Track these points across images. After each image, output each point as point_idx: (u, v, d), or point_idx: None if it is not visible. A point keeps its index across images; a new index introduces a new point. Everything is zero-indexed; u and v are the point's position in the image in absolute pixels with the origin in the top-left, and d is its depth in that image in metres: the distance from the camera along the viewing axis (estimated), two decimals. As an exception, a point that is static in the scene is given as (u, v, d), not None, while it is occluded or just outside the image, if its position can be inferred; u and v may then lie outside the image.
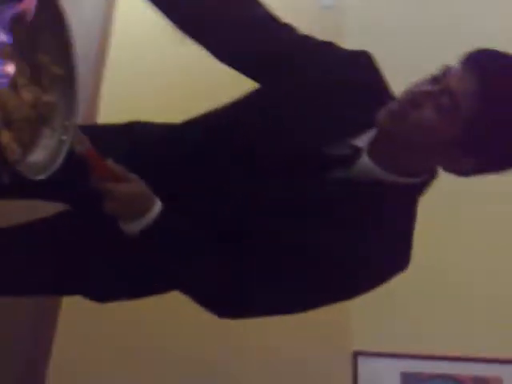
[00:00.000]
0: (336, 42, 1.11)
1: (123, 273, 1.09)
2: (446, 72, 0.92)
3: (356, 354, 1.86)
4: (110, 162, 0.94)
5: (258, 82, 1.11)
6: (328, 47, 1.10)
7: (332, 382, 1.85)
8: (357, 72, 1.05)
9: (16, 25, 0.79)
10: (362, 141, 0.99)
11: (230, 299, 1.00)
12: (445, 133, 0.91)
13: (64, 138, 0.86)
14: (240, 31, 1.07)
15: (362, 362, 1.86)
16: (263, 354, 1.86)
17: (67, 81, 0.87)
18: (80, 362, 1.84)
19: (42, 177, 0.79)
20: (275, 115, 1.05)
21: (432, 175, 1.01)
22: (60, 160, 0.84)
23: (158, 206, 0.97)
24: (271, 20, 1.10)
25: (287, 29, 1.10)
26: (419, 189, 1.00)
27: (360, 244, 0.96)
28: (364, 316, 1.87)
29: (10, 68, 0.77)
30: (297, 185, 1.01)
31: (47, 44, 0.85)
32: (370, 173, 0.98)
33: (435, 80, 0.93)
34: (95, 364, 1.85)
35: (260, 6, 1.10)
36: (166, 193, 0.99)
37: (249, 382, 1.84)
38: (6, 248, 1.15)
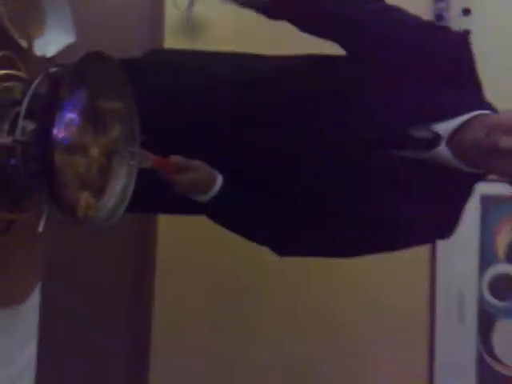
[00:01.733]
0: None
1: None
2: None
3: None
4: (173, 158, 1.08)
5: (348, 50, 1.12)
6: (431, 29, 1.09)
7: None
8: (453, 59, 1.07)
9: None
10: (445, 128, 1.04)
11: (291, 242, 1.19)
12: None
13: (132, 162, 0.97)
14: None
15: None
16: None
17: (126, 111, 0.94)
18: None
19: (113, 222, 0.93)
20: (362, 88, 1.09)
21: None
22: (132, 187, 0.96)
23: (217, 185, 1.14)
24: None
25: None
26: (480, 177, 1.07)
27: (416, 210, 1.09)
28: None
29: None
30: (372, 156, 1.09)
31: (102, 86, 0.90)
32: (443, 158, 1.06)
33: None
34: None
35: None
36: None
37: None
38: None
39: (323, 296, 2.01)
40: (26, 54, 0.89)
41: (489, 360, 2.05)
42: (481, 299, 2.07)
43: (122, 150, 0.95)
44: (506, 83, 2.01)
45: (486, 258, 2.06)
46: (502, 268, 2.07)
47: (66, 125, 0.83)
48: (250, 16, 1.25)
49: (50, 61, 0.95)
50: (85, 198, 0.88)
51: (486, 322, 2.07)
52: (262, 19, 1.15)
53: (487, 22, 2.04)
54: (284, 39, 1.99)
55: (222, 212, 1.18)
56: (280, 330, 2.03)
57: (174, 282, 1.95)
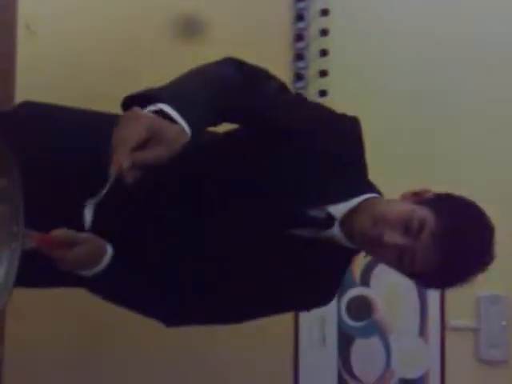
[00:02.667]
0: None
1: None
2: (421, 227, 1.03)
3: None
4: (56, 232, 0.99)
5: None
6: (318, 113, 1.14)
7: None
8: (343, 144, 1.12)
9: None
10: (339, 209, 1.10)
11: (176, 317, 1.18)
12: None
13: (14, 245, 0.87)
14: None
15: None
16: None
17: (10, 189, 0.85)
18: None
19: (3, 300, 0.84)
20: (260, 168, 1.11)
21: None
22: (15, 270, 0.87)
23: (106, 259, 1.08)
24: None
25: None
26: (358, 251, 1.15)
27: (300, 282, 1.14)
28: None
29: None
30: (260, 231, 1.12)
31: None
32: (334, 238, 1.12)
33: (408, 231, 1.04)
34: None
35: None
36: None
37: None
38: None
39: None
40: None
41: (348, 379, 2.18)
42: (340, 321, 2.20)
43: (2, 232, 0.86)
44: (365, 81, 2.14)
45: (344, 282, 2.19)
46: (358, 291, 2.21)
47: None
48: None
49: None
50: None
51: (345, 343, 2.19)
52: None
53: (345, 22, 2.16)
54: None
55: (107, 285, 1.11)
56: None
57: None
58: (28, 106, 1.23)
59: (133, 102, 0.95)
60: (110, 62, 2.05)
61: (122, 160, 0.85)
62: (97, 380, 2.04)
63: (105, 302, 1.19)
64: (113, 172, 0.88)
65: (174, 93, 0.98)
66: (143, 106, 0.93)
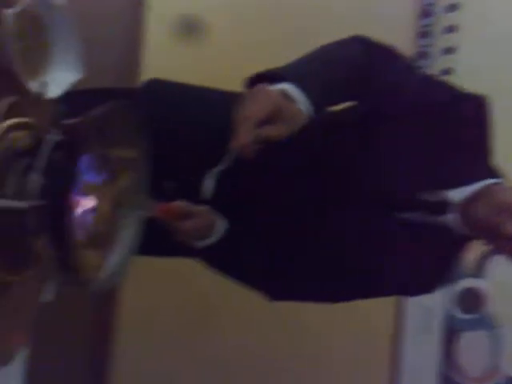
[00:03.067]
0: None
1: None
2: None
3: None
4: (176, 204, 1.03)
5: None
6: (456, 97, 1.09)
7: None
8: (466, 125, 1.07)
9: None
10: (456, 195, 1.05)
11: (287, 289, 1.19)
12: None
13: (140, 212, 0.92)
14: None
15: None
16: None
17: (139, 160, 0.89)
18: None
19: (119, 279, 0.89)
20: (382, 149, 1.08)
21: None
22: (139, 236, 0.92)
23: (218, 232, 1.12)
24: None
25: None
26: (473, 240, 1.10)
27: (401, 266, 1.10)
28: None
29: (93, 201, 0.81)
30: (375, 214, 1.10)
31: (114, 135, 0.85)
32: (448, 224, 1.07)
33: None
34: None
35: None
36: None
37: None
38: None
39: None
40: (36, 98, 0.83)
41: (450, 371, 2.12)
42: (447, 312, 2.13)
43: (129, 199, 0.91)
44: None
45: (455, 272, 2.11)
46: (470, 282, 2.13)
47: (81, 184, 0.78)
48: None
49: (56, 104, 0.89)
50: (92, 257, 0.84)
51: (450, 335, 2.13)
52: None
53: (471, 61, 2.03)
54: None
55: (219, 257, 1.15)
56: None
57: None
58: (156, 82, 1.28)
59: (256, 80, 0.97)
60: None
61: (246, 135, 0.87)
62: (212, 351, 2.11)
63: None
64: (235, 146, 0.91)
65: (297, 72, 0.99)
66: (267, 84, 0.95)
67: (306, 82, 0.96)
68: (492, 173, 1.09)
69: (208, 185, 0.97)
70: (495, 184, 1.07)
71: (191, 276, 1.71)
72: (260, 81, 0.96)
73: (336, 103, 1.09)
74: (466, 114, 1.08)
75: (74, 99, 0.87)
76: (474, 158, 1.07)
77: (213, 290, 1.89)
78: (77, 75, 0.91)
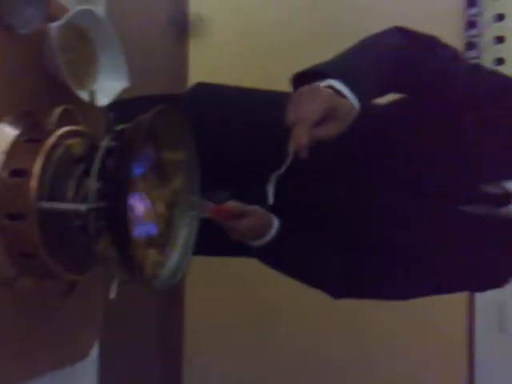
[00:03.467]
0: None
1: None
2: None
3: None
4: (228, 204, 1.04)
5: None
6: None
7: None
8: None
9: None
10: None
11: (343, 289, 1.17)
12: None
13: (193, 213, 0.93)
14: None
15: None
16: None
17: (189, 162, 0.91)
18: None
19: (179, 277, 0.90)
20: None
21: None
22: (194, 237, 0.93)
23: (273, 230, 1.11)
24: None
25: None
26: None
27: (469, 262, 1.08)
28: None
29: (149, 203, 0.83)
30: (437, 207, 1.08)
31: (165, 138, 0.86)
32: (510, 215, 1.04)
33: None
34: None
35: None
36: None
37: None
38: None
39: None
40: (86, 107, 0.86)
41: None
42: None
43: (183, 200, 0.92)
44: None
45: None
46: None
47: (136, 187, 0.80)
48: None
49: (106, 111, 0.92)
50: (152, 255, 0.85)
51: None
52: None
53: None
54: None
55: (276, 255, 1.15)
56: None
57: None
58: (202, 86, 1.30)
59: (300, 78, 0.96)
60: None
61: (304, 136, 0.87)
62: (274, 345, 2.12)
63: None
64: (293, 148, 0.90)
65: (339, 67, 0.98)
66: (310, 82, 0.94)
67: (350, 76, 0.95)
68: None
69: (270, 191, 0.97)
70: None
71: (254, 278, 1.73)
72: (301, 79, 0.95)
73: (381, 95, 1.07)
74: None
75: (123, 106, 0.89)
76: None
77: (276, 290, 1.91)
78: (124, 84, 0.93)
